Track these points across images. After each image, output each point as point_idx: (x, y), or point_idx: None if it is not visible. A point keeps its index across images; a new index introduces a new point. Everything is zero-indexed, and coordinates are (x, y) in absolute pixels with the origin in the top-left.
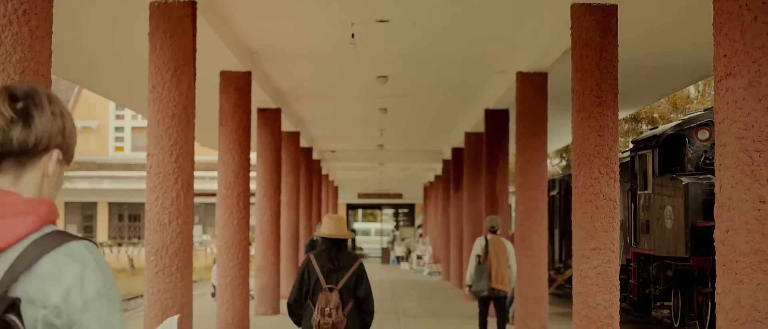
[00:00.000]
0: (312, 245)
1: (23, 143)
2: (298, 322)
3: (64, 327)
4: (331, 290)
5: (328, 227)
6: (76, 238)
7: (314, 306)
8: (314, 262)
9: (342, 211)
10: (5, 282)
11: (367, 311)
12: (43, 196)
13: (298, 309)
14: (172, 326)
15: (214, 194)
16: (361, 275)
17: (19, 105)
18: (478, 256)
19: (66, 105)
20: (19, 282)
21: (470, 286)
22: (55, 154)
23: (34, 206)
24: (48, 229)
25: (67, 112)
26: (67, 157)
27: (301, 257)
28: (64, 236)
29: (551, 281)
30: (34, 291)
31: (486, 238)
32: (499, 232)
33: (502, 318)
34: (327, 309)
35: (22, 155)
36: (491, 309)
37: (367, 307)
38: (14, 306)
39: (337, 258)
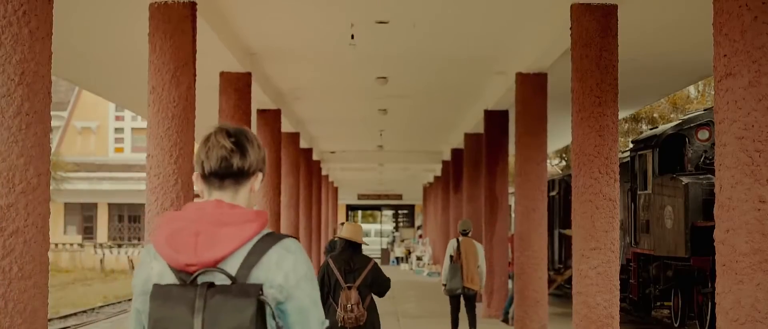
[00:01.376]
0: (332, 247)
1: (241, 168)
2: None
3: (283, 299)
4: (350, 288)
5: (348, 231)
6: (286, 236)
7: (336, 304)
8: (332, 265)
9: (342, 212)
10: (244, 272)
11: (384, 286)
12: (251, 205)
13: None
14: None
15: None
16: (374, 273)
17: (233, 140)
18: (451, 256)
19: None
20: (253, 271)
21: (445, 285)
22: (260, 176)
23: (258, 215)
24: (265, 231)
25: (262, 144)
26: (263, 178)
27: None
28: (278, 236)
29: (551, 281)
30: (264, 276)
31: (457, 240)
32: (470, 234)
33: (472, 316)
34: (349, 305)
35: (238, 176)
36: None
37: (384, 285)
38: (262, 289)
39: (353, 259)
